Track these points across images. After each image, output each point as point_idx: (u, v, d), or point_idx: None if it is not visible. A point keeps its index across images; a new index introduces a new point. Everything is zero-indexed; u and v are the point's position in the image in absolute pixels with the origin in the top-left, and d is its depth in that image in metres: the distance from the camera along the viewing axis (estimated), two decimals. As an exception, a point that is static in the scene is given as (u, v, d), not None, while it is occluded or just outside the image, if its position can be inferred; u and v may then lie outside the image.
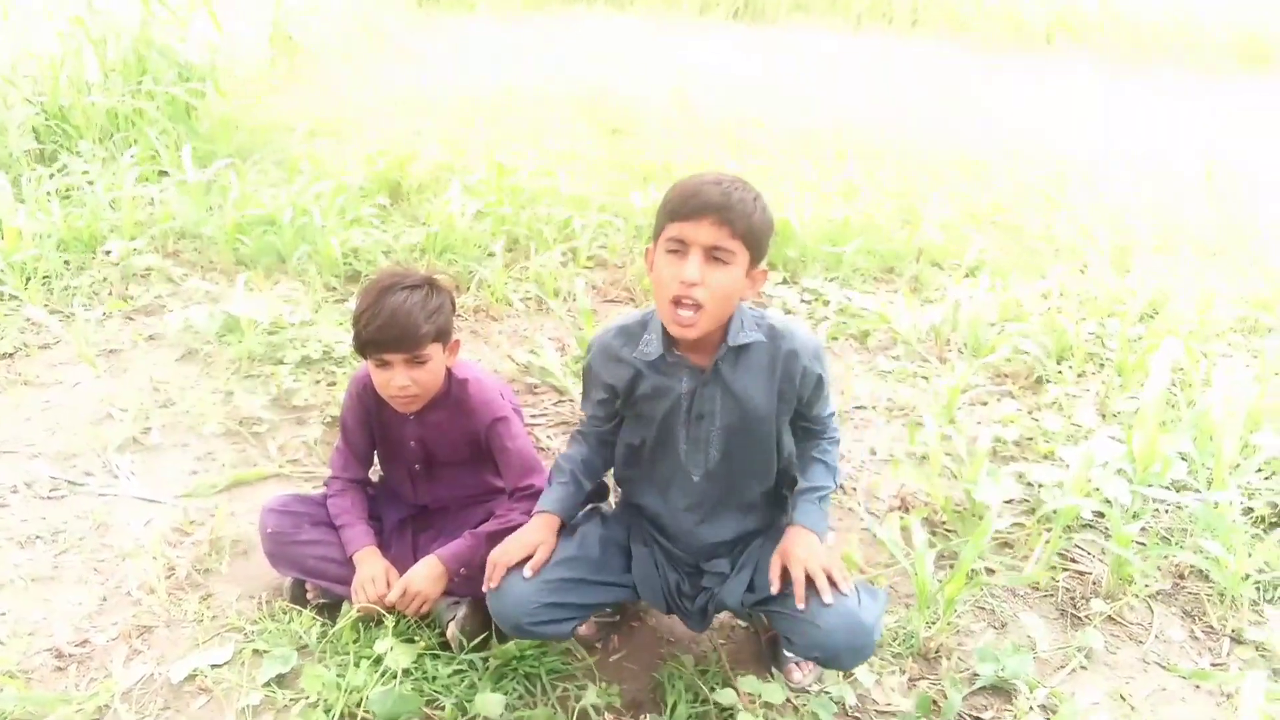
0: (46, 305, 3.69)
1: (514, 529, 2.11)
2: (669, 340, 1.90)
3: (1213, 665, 2.31)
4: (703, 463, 1.99)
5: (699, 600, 2.07)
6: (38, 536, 2.52)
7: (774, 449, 2.01)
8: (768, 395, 1.93)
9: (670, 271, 1.78)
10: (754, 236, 1.77)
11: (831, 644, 1.86)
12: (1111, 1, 11.57)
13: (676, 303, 1.78)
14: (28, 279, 3.78)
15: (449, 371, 2.25)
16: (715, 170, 1.86)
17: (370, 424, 2.33)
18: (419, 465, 2.34)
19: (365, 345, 2.10)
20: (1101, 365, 3.73)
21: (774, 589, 1.89)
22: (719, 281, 1.76)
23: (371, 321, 2.05)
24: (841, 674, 2.16)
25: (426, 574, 2.13)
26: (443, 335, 2.15)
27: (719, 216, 1.73)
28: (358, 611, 2.13)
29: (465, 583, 2.16)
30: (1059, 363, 3.71)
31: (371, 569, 2.16)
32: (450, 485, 2.38)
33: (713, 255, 1.75)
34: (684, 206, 1.75)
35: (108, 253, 4.07)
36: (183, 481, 2.79)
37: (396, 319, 2.05)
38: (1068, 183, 5.77)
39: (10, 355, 3.39)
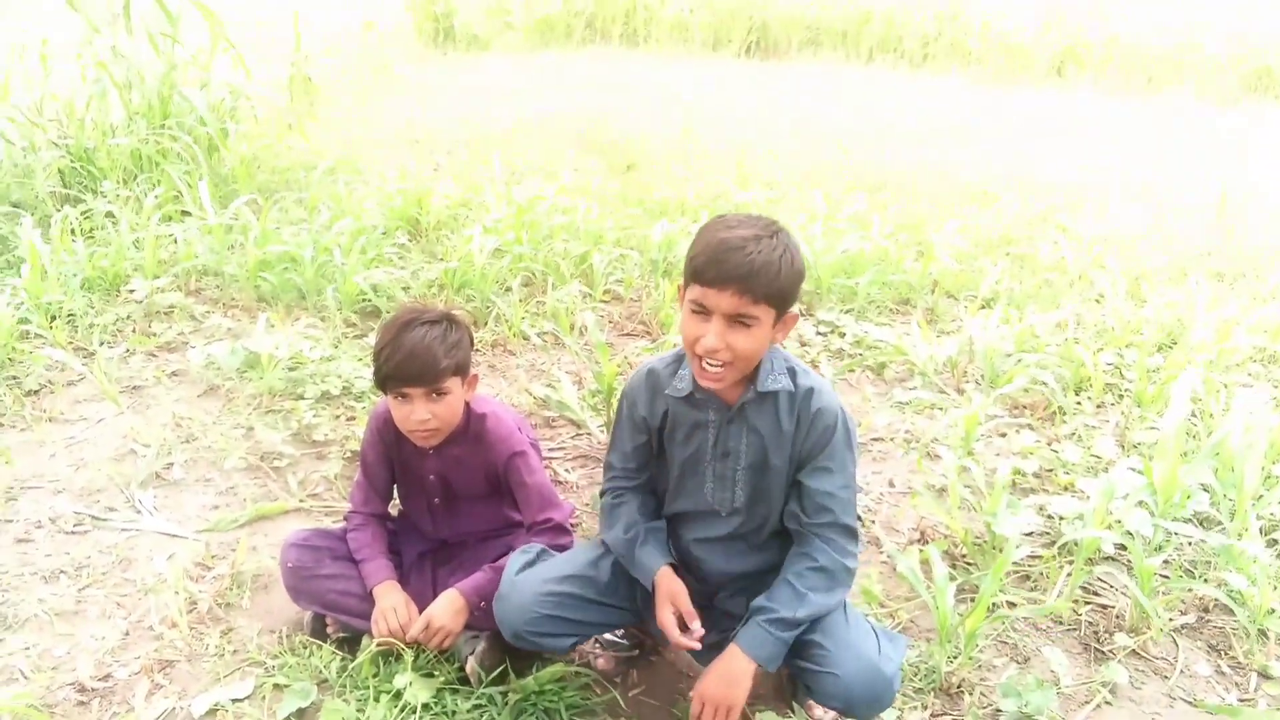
0: (71, 343, 3.74)
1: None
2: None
3: (1240, 701, 2.28)
4: (729, 501, 2.00)
5: (710, 638, 2.06)
6: (62, 571, 2.55)
7: (788, 486, 2.01)
8: (783, 436, 1.94)
9: (694, 331, 1.78)
10: (780, 296, 1.75)
11: (850, 694, 1.85)
12: (1118, 32, 11.63)
13: (701, 359, 1.79)
14: (53, 318, 3.84)
15: (467, 406, 2.27)
16: (742, 216, 1.81)
17: (390, 459, 2.35)
18: (438, 499, 2.35)
19: (385, 380, 2.12)
20: (1120, 396, 3.72)
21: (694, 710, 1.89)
22: (742, 344, 1.76)
23: (392, 356, 2.08)
24: (863, 709, 2.14)
25: (448, 608, 2.13)
26: (461, 370, 2.17)
27: (741, 286, 1.70)
28: (377, 645, 2.13)
29: (485, 616, 2.16)
30: (1077, 394, 3.70)
31: (392, 600, 2.17)
32: (469, 519, 2.39)
33: (736, 320, 1.74)
34: (707, 271, 1.72)
35: (131, 291, 4.12)
36: (204, 516, 2.81)
37: (416, 354, 2.07)
38: (1080, 212, 5.79)
39: (35, 392, 3.43)
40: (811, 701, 2.14)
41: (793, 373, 1.92)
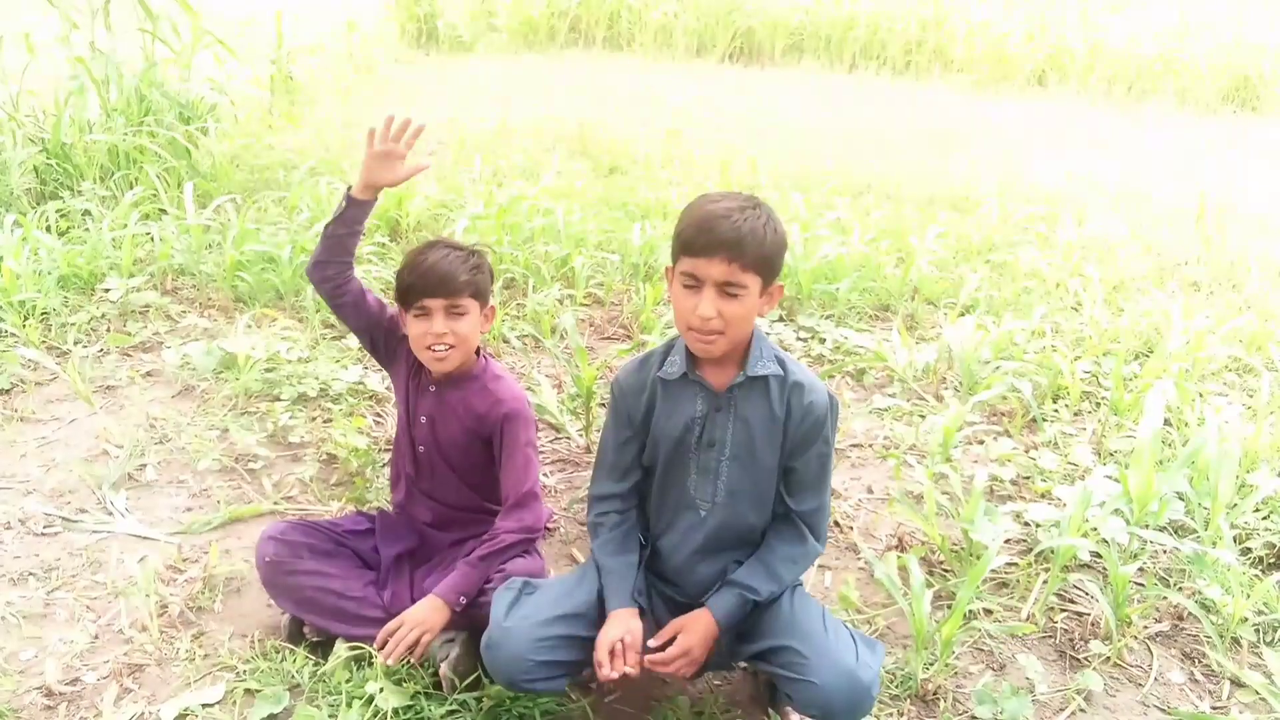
0: (44, 342, 3.69)
1: (506, 548, 2.17)
2: (691, 360, 1.95)
3: (1213, 709, 2.29)
4: (710, 495, 2.00)
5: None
6: (31, 573, 2.51)
7: (775, 485, 2.02)
8: (774, 426, 1.95)
9: (686, 305, 1.83)
10: (767, 264, 1.82)
11: (829, 702, 1.85)
12: (1101, 42, 11.72)
13: (696, 330, 1.83)
14: (26, 316, 3.79)
15: (485, 360, 2.31)
16: (724, 193, 1.88)
17: (393, 339, 2.36)
18: (423, 448, 2.34)
19: (406, 291, 2.19)
20: (1097, 404, 3.74)
21: (655, 641, 1.94)
22: (734, 312, 1.81)
23: (415, 269, 2.18)
24: None
25: (429, 611, 2.11)
26: (480, 295, 2.23)
27: (730, 254, 1.76)
28: (349, 649, 2.11)
29: (464, 610, 2.14)
30: (1055, 401, 3.72)
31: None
32: (445, 488, 2.37)
33: (726, 290, 1.79)
34: (696, 242, 1.79)
35: (106, 290, 4.08)
36: (177, 518, 2.78)
37: (438, 267, 2.16)
38: (1060, 220, 5.82)
39: (7, 392, 3.39)
40: (788, 708, 2.14)
41: (781, 362, 1.95)
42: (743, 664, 2.28)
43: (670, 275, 1.90)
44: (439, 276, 2.16)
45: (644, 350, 2.10)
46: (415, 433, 2.35)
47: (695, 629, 1.94)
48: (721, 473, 1.98)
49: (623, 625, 1.94)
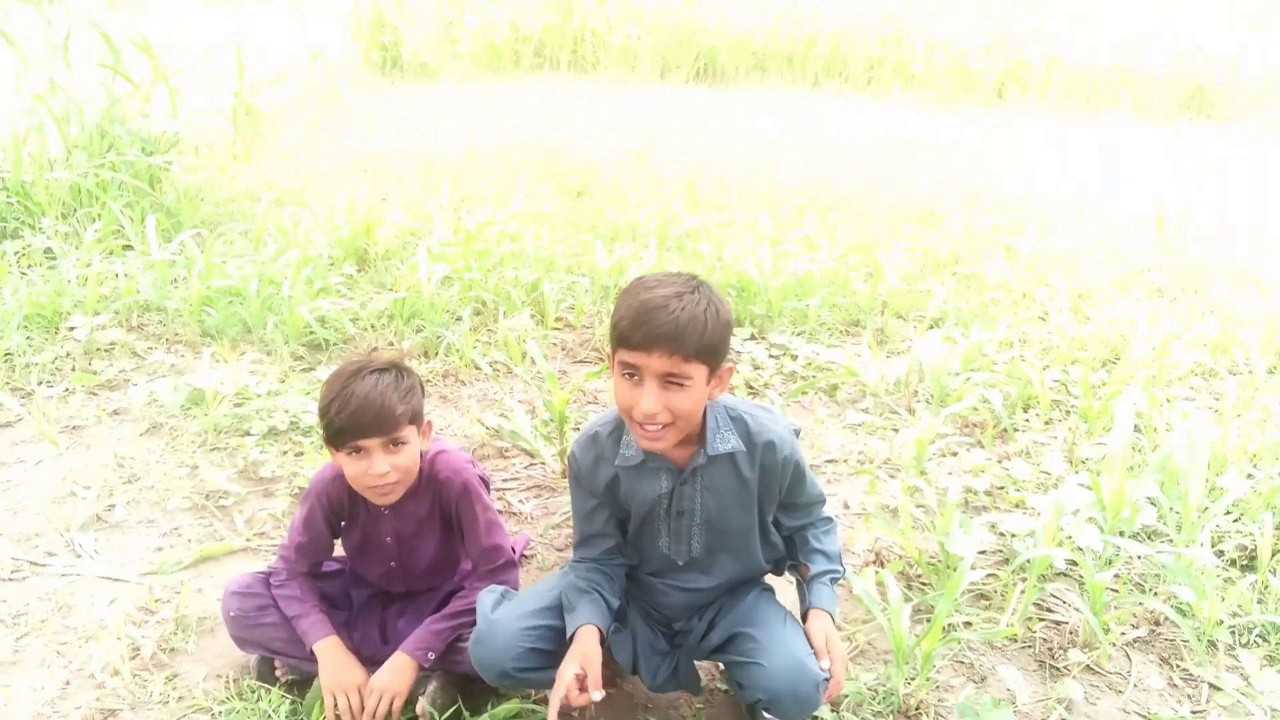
0: (8, 383, 3.64)
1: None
2: None
3: (1193, 713, 2.31)
4: (685, 553, 2.02)
5: (670, 659, 2.09)
6: (-3, 621, 2.46)
7: (756, 535, 2.04)
8: (747, 489, 1.95)
9: (629, 397, 1.75)
10: (710, 351, 1.73)
11: (774, 685, 1.87)
12: (1058, 55, 11.91)
13: (640, 424, 1.77)
14: (-12, 357, 3.73)
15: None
16: (662, 275, 1.79)
17: (333, 527, 2.26)
18: (394, 563, 2.28)
19: (338, 434, 2.00)
20: (1067, 413, 3.77)
21: (821, 659, 1.90)
22: (679, 402, 1.74)
23: (344, 408, 1.97)
24: (822, 735, 2.14)
25: (396, 674, 2.09)
26: (416, 417, 2.09)
27: (669, 347, 1.68)
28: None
29: (435, 662, 2.12)
30: (1025, 411, 3.75)
31: (340, 677, 2.08)
32: (425, 577, 2.34)
33: (669, 380, 1.72)
34: (633, 335, 1.70)
35: (71, 329, 4.02)
36: (148, 559, 2.73)
37: (370, 402, 1.97)
38: (1024, 231, 5.89)
39: (-31, 435, 3.33)
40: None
41: (741, 424, 1.92)
42: (724, 688, 2.27)
43: (611, 361, 1.82)
44: (373, 415, 1.97)
45: (598, 416, 2.07)
46: (383, 555, 2.27)
47: (833, 633, 1.97)
48: (694, 534, 2.00)
49: (579, 655, 1.87)
